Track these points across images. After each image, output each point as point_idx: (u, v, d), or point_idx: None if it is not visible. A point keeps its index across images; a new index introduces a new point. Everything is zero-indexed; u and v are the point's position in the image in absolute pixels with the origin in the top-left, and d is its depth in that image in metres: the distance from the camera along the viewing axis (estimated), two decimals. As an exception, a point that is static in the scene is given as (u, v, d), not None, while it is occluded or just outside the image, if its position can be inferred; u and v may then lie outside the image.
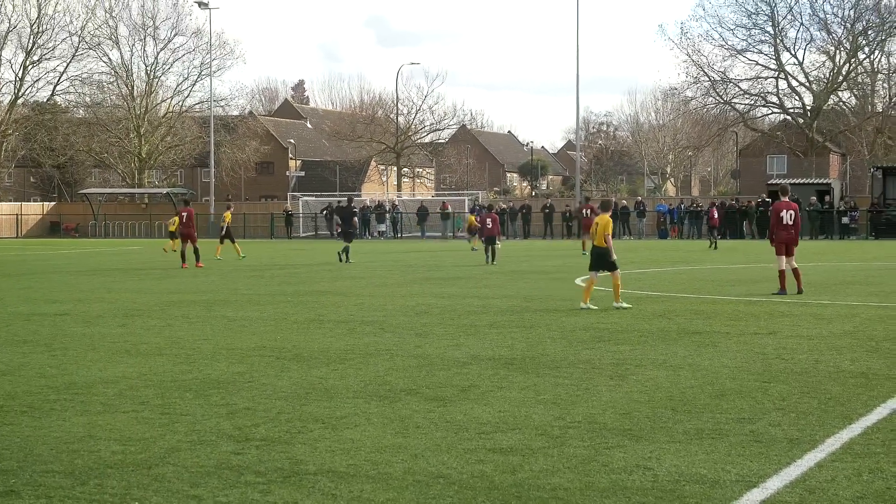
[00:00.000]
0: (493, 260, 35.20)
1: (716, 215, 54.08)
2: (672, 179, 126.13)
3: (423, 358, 13.21)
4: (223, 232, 42.62)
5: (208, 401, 10.41)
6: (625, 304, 19.38)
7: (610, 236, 19.69)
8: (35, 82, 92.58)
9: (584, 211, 45.15)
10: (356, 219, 39.74)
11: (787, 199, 22.50)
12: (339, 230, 39.98)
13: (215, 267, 35.07)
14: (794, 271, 22.01)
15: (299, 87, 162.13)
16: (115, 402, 10.44)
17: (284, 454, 8.19)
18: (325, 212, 74.75)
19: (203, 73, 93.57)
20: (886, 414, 9.53)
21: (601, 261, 19.70)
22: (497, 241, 36.01)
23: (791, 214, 22.15)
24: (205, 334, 15.98)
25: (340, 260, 36.71)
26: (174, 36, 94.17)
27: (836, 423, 9.11)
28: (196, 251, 35.33)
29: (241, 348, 14.32)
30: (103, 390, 11.08)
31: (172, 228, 42.69)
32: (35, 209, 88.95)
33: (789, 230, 22.12)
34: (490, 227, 36.08)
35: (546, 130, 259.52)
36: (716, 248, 48.57)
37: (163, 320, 18.12)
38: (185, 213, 36.67)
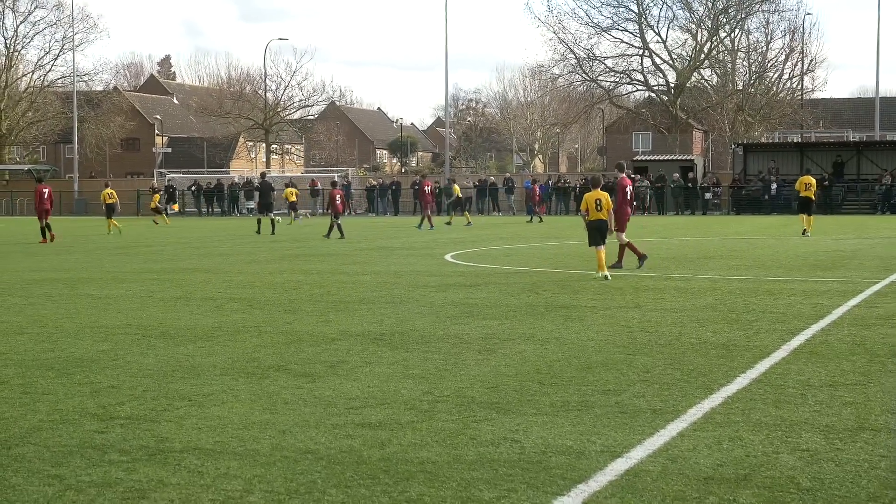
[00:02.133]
0: (329, 235, 37.22)
1: (538, 192, 56.45)
2: (540, 156, 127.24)
3: (292, 334, 13.13)
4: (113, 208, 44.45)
5: (71, 379, 10.21)
6: (609, 275, 19.65)
7: (611, 209, 20.17)
8: None
9: (425, 187, 46.17)
10: (273, 192, 42.35)
11: (624, 175, 22.97)
12: (260, 205, 43.39)
13: (79, 245, 34.42)
14: (624, 246, 22.21)
15: (165, 62, 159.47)
16: (-27, 382, 10.17)
17: (150, 432, 8.06)
18: (192, 188, 73.85)
19: (65, 47, 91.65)
20: (746, 384, 9.75)
21: (602, 233, 19.86)
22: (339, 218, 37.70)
23: (629, 190, 22.78)
24: (68, 312, 15.66)
25: (270, 232, 40.61)
26: (35, 9, 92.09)
27: (698, 394, 9.30)
28: (48, 227, 36.11)
29: (105, 326, 14.06)
30: (-39, 371, 10.79)
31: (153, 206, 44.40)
32: None
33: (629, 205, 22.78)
34: (339, 203, 38.34)
35: (415, 107, 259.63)
36: (541, 220, 51.78)
37: (24, 298, 17.71)
38: (45, 190, 37.42)
